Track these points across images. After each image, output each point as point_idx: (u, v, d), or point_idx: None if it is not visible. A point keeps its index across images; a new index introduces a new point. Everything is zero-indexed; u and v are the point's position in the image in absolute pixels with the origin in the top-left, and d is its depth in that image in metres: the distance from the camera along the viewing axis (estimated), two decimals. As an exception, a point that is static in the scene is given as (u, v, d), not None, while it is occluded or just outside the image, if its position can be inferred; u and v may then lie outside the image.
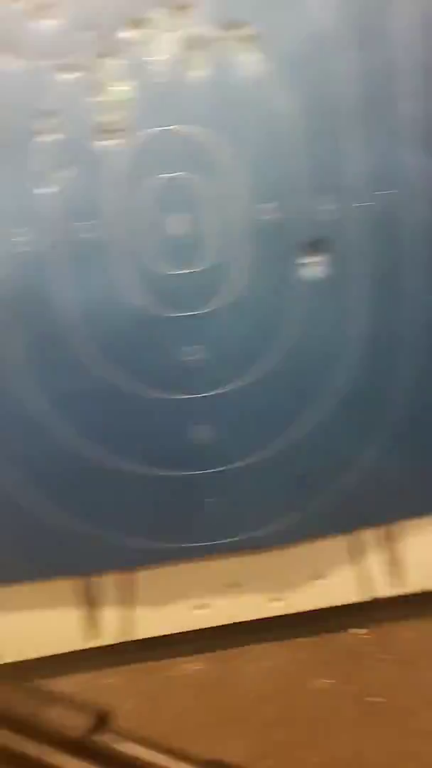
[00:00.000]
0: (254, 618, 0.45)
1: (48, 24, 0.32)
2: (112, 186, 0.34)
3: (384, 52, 0.34)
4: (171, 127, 0.34)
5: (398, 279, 0.37)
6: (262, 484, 0.39)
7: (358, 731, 0.38)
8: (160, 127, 0.34)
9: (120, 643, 0.44)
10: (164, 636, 0.45)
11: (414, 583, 0.46)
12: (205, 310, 0.36)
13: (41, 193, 0.33)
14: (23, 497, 0.37)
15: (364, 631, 0.46)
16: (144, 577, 0.43)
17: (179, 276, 0.35)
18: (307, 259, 0.36)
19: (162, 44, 0.33)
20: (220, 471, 0.38)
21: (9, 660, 0.42)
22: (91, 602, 0.43)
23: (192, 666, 0.44)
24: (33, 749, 0.34)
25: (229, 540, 0.41)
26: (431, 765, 0.36)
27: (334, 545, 0.44)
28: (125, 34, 0.33)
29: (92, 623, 0.43)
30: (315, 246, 0.36)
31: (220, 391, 0.37)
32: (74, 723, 0.36)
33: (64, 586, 0.42)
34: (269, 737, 0.39)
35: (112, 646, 0.44)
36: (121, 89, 0.33)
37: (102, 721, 0.36)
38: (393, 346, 0.38)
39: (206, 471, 0.38)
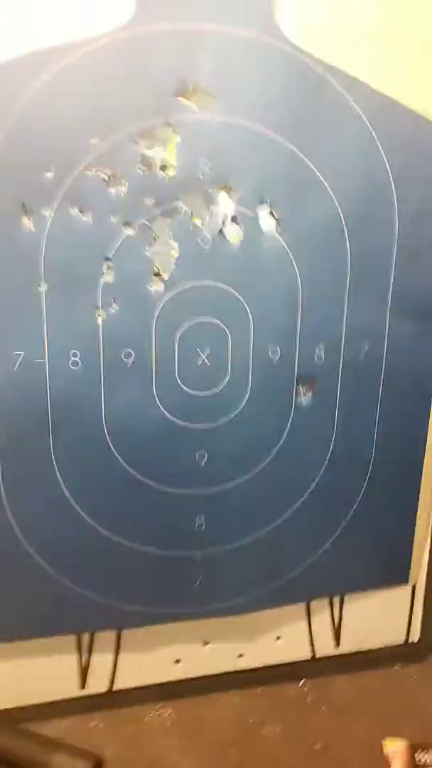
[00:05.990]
0: (221, 671, 0.53)
1: (119, 189, 0.40)
2: (152, 322, 0.42)
3: (373, 238, 0.44)
4: (204, 282, 0.42)
5: (366, 409, 0.47)
6: (243, 564, 0.48)
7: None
8: (196, 280, 0.42)
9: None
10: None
11: (350, 643, 0.55)
12: (216, 424, 0.44)
13: (95, 322, 0.40)
14: (41, 569, 0.44)
15: (306, 683, 0.55)
16: (129, 633, 0.49)
17: (199, 397, 0.44)
18: (299, 389, 0.46)
19: (206, 216, 0.41)
20: (212, 553, 0.47)
21: (4, 707, 0.47)
22: (82, 655, 0.49)
23: (165, 712, 0.50)
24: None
25: (208, 608, 0.48)
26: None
27: (291, 610, 0.53)
28: (178, 204, 0.41)
29: (82, 673, 0.49)
30: (306, 381, 0.46)
31: (220, 488, 0.46)
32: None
33: (59, 640, 0.48)
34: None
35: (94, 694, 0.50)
36: (170, 245, 0.41)
37: (97, 766, 0.43)
38: (358, 458, 0.48)
39: (200, 551, 0.46)
